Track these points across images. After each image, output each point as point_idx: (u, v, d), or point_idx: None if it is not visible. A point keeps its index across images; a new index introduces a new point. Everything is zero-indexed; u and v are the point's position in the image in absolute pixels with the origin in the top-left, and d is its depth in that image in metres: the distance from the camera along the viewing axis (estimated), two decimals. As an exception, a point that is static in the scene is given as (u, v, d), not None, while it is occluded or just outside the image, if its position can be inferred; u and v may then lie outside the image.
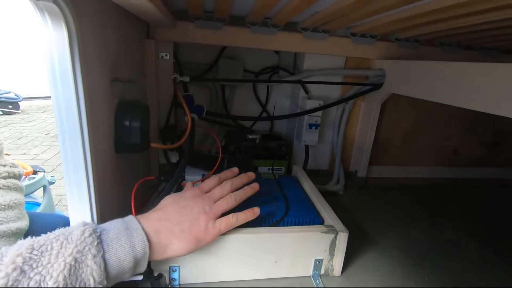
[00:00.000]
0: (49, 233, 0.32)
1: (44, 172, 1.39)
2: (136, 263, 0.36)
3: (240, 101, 0.97)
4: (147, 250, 0.36)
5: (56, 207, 1.59)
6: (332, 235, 0.51)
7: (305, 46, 0.81)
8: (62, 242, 0.31)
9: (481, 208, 0.87)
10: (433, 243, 0.67)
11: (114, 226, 0.36)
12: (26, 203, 1.33)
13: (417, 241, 0.67)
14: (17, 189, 0.49)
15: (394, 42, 0.84)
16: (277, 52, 0.96)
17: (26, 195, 1.29)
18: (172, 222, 0.41)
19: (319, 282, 0.52)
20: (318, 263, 0.52)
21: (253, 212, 0.47)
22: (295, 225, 0.53)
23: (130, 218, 0.39)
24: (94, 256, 0.31)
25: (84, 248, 0.31)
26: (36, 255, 0.29)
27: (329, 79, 0.87)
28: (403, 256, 0.61)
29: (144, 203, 0.66)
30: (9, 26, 4.44)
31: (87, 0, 0.37)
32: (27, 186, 1.28)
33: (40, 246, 0.30)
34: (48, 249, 0.30)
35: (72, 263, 0.30)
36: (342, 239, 0.51)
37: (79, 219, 0.40)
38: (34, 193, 1.37)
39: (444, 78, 0.60)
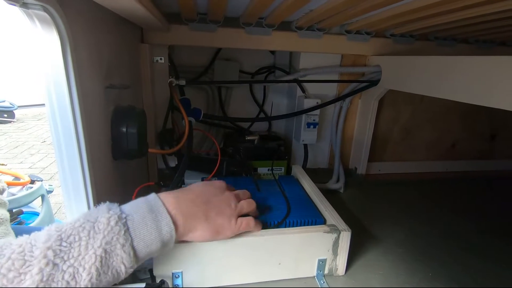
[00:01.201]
0: (73, 221, 0.32)
1: (41, 181, 1.38)
2: (164, 245, 0.37)
3: (237, 102, 0.97)
4: (174, 233, 0.37)
5: (55, 215, 1.58)
6: (335, 235, 0.51)
7: (301, 45, 0.80)
8: (89, 232, 0.31)
9: (482, 201, 0.87)
10: (435, 238, 0.67)
11: (138, 209, 0.36)
12: (25, 213, 1.31)
13: (420, 236, 0.67)
14: (1, 204, 0.46)
15: (389, 38, 0.84)
16: (272, 52, 0.95)
17: (25, 205, 1.28)
18: (201, 208, 0.42)
19: (324, 282, 0.51)
20: (321, 263, 0.52)
21: (261, 224, 0.49)
22: (297, 226, 0.53)
23: (154, 198, 0.38)
24: (123, 245, 0.32)
25: (112, 239, 0.31)
26: (65, 246, 0.29)
27: (326, 77, 0.87)
28: (406, 252, 0.61)
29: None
30: (2, 34, 4.41)
31: (77, 7, 0.36)
32: (25, 196, 1.27)
33: (68, 237, 0.30)
34: (76, 239, 0.30)
35: (103, 254, 0.30)
36: (345, 238, 0.51)
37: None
38: (33, 202, 1.36)
39: (439, 72, 0.60)
